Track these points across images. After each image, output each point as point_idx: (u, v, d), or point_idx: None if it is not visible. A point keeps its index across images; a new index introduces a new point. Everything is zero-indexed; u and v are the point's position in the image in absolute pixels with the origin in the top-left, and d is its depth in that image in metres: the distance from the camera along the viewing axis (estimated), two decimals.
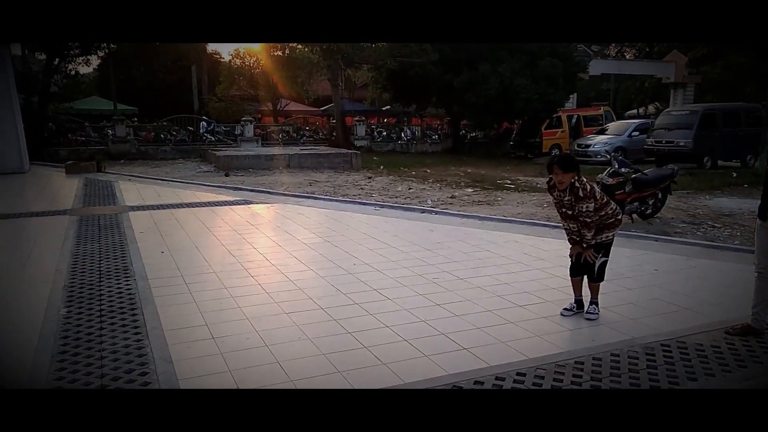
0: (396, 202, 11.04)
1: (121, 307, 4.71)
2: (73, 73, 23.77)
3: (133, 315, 4.54)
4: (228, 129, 27.23)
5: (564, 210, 4.52)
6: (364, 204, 10.48)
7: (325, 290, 5.25)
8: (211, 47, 40.31)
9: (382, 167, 18.98)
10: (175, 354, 3.79)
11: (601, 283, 4.63)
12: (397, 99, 31.35)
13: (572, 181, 4.37)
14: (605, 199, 4.50)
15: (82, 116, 26.85)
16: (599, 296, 4.66)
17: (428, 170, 18.15)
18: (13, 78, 15.47)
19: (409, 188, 13.64)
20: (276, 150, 21.92)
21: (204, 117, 27.96)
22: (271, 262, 6.19)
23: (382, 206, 10.25)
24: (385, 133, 29.52)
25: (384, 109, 39.84)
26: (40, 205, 10.08)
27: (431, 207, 10.41)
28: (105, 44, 23.96)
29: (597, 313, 4.59)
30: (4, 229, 8.17)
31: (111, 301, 4.88)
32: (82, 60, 23.75)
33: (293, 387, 3.36)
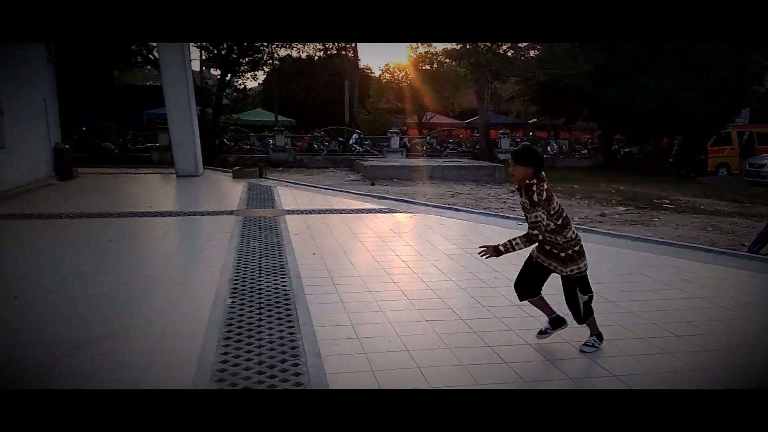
0: None
1: (278, 301, 5.11)
2: (242, 87, 26.21)
3: (287, 309, 4.90)
4: (375, 141, 28.28)
5: (525, 215, 4.00)
6: (507, 218, 10.32)
7: (465, 301, 5.26)
8: (363, 63, 42.18)
9: None
10: (324, 349, 4.03)
11: None
12: (545, 112, 30.50)
13: (528, 181, 3.82)
14: (563, 220, 3.89)
15: (247, 126, 29.48)
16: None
17: (575, 186, 17.40)
18: (193, 92, 17.43)
19: None
20: (419, 161, 22.36)
21: (357, 129, 29.30)
22: (412, 270, 6.34)
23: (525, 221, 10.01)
24: None
25: (530, 122, 38.91)
26: (211, 206, 11.23)
27: (578, 225, 9.96)
28: (270, 60, 26.08)
29: (595, 347, 4.08)
30: (183, 224, 9.23)
31: (269, 295, 5.31)
32: (251, 75, 26.09)
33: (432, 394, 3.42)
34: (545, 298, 4.23)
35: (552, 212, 3.82)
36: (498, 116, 38.29)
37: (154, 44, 21.05)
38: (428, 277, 6.06)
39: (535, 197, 3.77)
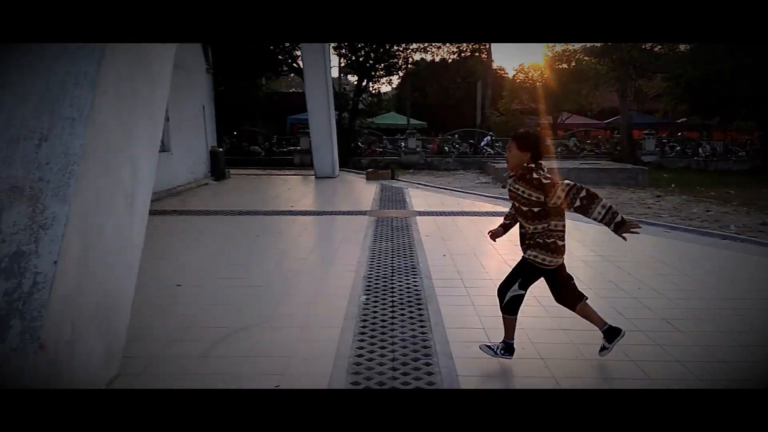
0: (690, 225, 9.88)
1: (410, 301, 5.21)
2: (376, 92, 26.97)
3: (419, 309, 4.98)
4: (506, 142, 27.72)
5: (516, 205, 3.72)
6: (652, 224, 9.62)
7: (605, 312, 4.97)
8: (497, 63, 41.59)
9: (673, 185, 17.17)
10: (456, 351, 4.05)
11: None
12: (695, 111, 28.00)
13: (526, 165, 3.56)
14: (559, 206, 3.54)
15: (380, 130, 30.28)
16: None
17: (731, 191, 15.78)
18: (333, 98, 18.28)
19: (707, 210, 12.07)
20: (553, 164, 21.53)
21: (489, 132, 28.96)
22: None
23: (673, 228, 9.27)
24: (678, 148, 26.57)
25: (679, 121, 35.90)
26: (347, 206, 11.71)
27: (735, 233, 9.04)
28: (405, 65, 26.60)
29: (495, 352, 3.80)
30: (321, 223, 9.72)
31: (401, 294, 5.43)
32: (386, 80, 26.79)
33: None
34: (588, 305, 3.95)
35: (558, 193, 3.54)
36: (641, 116, 35.74)
37: (299, 53, 22.37)
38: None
39: (543, 180, 3.52)
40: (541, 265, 3.74)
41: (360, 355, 3.99)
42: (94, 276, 3.23)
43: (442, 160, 24.99)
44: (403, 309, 5.00)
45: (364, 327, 4.55)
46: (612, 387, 3.52)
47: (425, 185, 16.12)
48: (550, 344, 4.22)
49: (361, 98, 26.11)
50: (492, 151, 26.23)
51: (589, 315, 3.91)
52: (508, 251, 7.32)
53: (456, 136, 28.04)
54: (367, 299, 5.27)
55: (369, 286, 5.71)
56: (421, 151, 25.41)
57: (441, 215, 10.38)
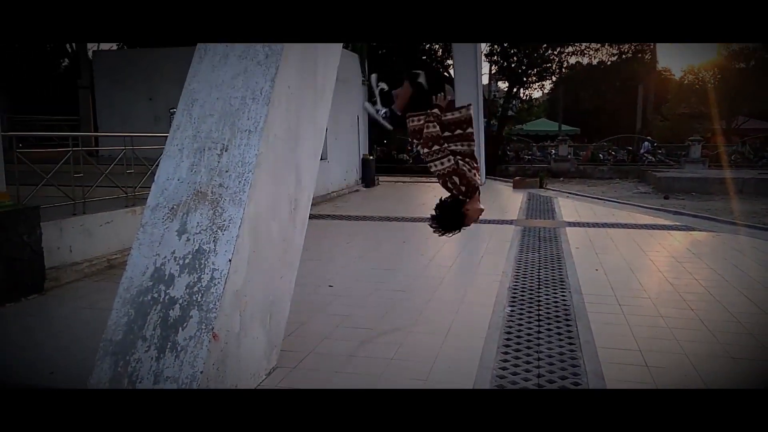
0: None
1: (557, 316, 5.03)
2: (527, 98, 26.35)
3: (567, 325, 4.79)
4: (670, 150, 25.57)
5: None
6: None
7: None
8: (662, 64, 38.58)
9: None
10: (607, 372, 3.84)
11: None
12: None
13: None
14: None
15: (530, 137, 29.52)
16: None
17: None
18: (482, 104, 18.19)
19: None
20: (725, 173, 19.43)
21: (647, 137, 26.96)
22: (714, 297, 5.58)
23: None
24: None
25: None
26: (492, 214, 11.57)
27: None
28: (559, 69, 25.67)
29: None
30: (468, 231, 9.70)
31: (548, 307, 5.26)
32: (538, 86, 26.10)
33: None
34: None
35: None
36: None
37: (450, 61, 22.57)
38: (735, 308, 5.26)
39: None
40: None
41: (504, 368, 3.94)
42: (261, 274, 3.56)
43: (595, 168, 23.72)
44: (550, 323, 4.85)
45: (508, 339, 4.48)
46: None
47: (576, 194, 15.39)
48: (716, 372, 3.83)
49: (510, 104, 25.67)
50: (653, 159, 24.35)
51: None
52: (670, 269, 6.77)
53: (610, 142, 26.43)
54: (512, 310, 5.18)
55: (514, 297, 5.61)
56: (572, 158, 24.35)
57: (593, 227, 9.86)
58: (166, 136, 3.67)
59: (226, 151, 3.44)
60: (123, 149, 7.43)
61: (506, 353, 4.20)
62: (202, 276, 3.17)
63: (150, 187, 3.55)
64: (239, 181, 3.34)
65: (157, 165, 7.60)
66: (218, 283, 3.14)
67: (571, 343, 4.38)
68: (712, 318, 4.99)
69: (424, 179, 20.93)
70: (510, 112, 26.02)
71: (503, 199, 14.51)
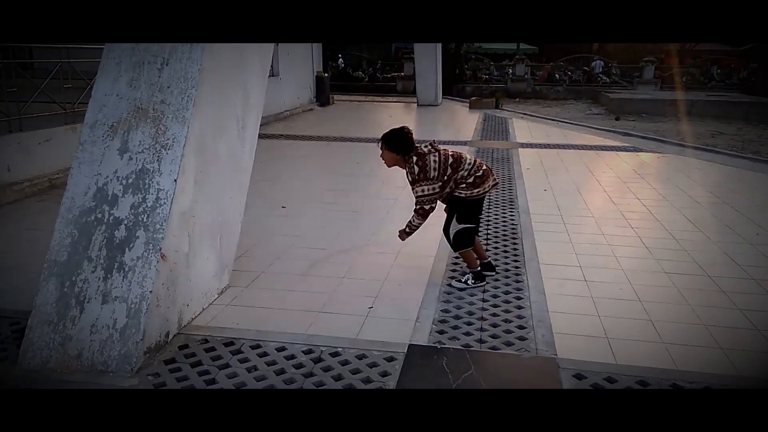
0: None
1: (505, 235, 5.19)
2: None
3: (514, 244, 4.95)
4: (625, 70, 25.77)
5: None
6: None
7: (714, 256, 4.71)
8: None
9: None
10: (548, 288, 4.02)
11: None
12: None
13: (408, 160, 3.85)
14: (449, 166, 3.83)
15: (488, 55, 29.13)
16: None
17: None
18: None
19: None
20: (677, 95, 19.82)
21: (597, 57, 26.96)
22: (654, 216, 5.84)
23: None
24: None
25: None
26: (448, 135, 11.58)
27: None
28: None
29: (467, 284, 3.97)
30: None
31: (497, 227, 5.41)
32: None
33: (664, 350, 3.21)
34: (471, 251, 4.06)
35: (432, 173, 3.82)
36: None
37: None
38: (673, 225, 5.53)
39: (408, 177, 3.86)
40: (468, 196, 3.91)
41: (450, 284, 4.08)
42: (209, 194, 3.50)
43: (551, 89, 23.79)
44: (497, 242, 5.00)
45: (457, 257, 4.61)
46: (706, 326, 3.37)
47: (531, 115, 15.50)
48: (650, 287, 4.07)
49: None
50: (608, 80, 24.55)
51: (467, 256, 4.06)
52: (615, 189, 7.01)
53: (567, 62, 26.40)
54: None
55: None
56: (529, 78, 24.28)
57: (545, 148, 10.02)
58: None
59: (166, 65, 3.27)
60: (59, 62, 6.98)
61: (454, 270, 4.33)
62: (147, 196, 3.10)
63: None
64: (182, 98, 3.20)
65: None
66: (164, 203, 3.08)
67: (516, 260, 4.54)
68: (650, 236, 5.24)
69: (379, 98, 20.61)
70: None
71: (459, 120, 14.49)
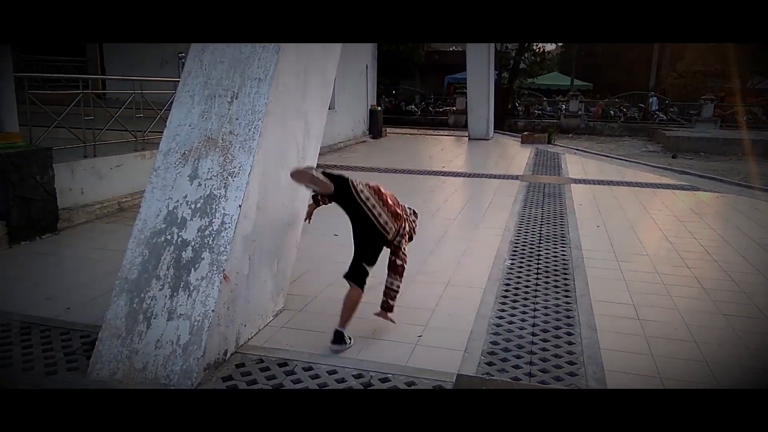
0: None
1: (555, 270, 5.16)
2: (540, 51, 25.83)
3: (565, 279, 4.93)
4: (682, 108, 25.22)
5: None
6: None
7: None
8: None
9: None
10: (600, 324, 3.99)
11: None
12: None
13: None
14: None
15: (541, 91, 29.09)
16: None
17: None
18: (494, 56, 17.90)
19: None
20: (738, 134, 19.22)
21: (653, 93, 26.50)
22: (712, 257, 5.69)
23: None
24: None
25: None
26: (499, 169, 11.61)
27: None
28: None
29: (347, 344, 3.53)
30: (471, 185, 9.80)
31: (547, 262, 5.39)
32: None
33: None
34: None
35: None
36: None
37: None
38: (731, 267, 5.37)
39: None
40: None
41: (500, 317, 4.09)
42: (269, 220, 3.68)
43: (605, 125, 23.48)
44: (548, 277, 4.98)
45: (506, 290, 4.63)
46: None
47: (584, 151, 15.33)
48: (706, 328, 3.97)
49: (523, 57, 25.20)
50: (665, 117, 24.06)
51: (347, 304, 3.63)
52: (671, 228, 6.86)
53: (623, 99, 26.05)
54: (512, 264, 5.31)
55: (515, 251, 5.73)
56: (582, 114, 24.06)
57: (598, 184, 9.90)
58: (174, 81, 3.72)
59: (236, 98, 3.49)
60: (132, 93, 7.46)
61: (504, 303, 4.35)
62: (213, 220, 3.29)
63: (159, 132, 3.62)
64: (249, 129, 3.41)
65: (167, 109, 7.64)
66: (228, 227, 3.26)
67: (567, 296, 4.52)
68: (707, 276, 5.11)
69: (431, 132, 20.84)
70: (522, 65, 25.58)
71: (511, 154, 14.48)
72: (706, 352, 3.60)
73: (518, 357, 3.48)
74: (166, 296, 3.19)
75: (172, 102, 7.72)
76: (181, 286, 3.20)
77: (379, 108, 18.15)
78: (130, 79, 7.85)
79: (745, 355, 3.58)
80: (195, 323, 3.12)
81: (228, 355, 3.35)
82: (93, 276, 4.67)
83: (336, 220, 6.88)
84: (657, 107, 24.89)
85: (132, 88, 7.52)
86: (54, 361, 3.26)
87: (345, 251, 5.60)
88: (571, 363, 3.43)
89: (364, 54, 17.15)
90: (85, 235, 5.92)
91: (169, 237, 3.31)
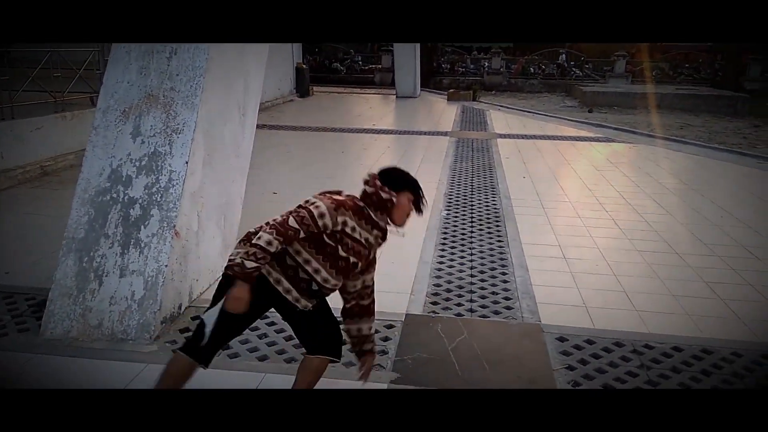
0: None
1: (488, 217, 5.48)
2: None
3: (497, 225, 5.25)
4: (597, 64, 26.37)
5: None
6: (746, 155, 9.22)
7: (683, 237, 5.08)
8: None
9: None
10: (531, 264, 4.33)
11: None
12: None
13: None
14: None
15: (464, 48, 29.42)
16: None
17: None
18: None
19: None
20: (647, 88, 20.41)
21: (564, 50, 27.46)
22: (627, 201, 6.20)
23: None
24: None
25: None
26: (428, 126, 11.86)
27: None
28: None
29: None
30: (402, 142, 9.99)
31: (480, 210, 5.70)
32: None
33: (637, 316, 3.53)
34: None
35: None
36: None
37: None
38: (644, 209, 5.89)
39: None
40: None
41: (441, 262, 4.35)
42: (215, 177, 3.70)
43: (526, 82, 24.21)
44: (482, 224, 5.29)
45: (445, 238, 4.89)
46: (676, 296, 3.71)
47: (507, 107, 15.86)
48: (624, 263, 4.40)
49: None
50: (580, 73, 25.09)
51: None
52: (590, 176, 7.36)
53: (542, 56, 26.89)
54: (447, 214, 5.58)
55: (450, 202, 6.01)
56: (505, 71, 24.68)
57: (522, 138, 10.36)
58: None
59: (175, 54, 3.45)
60: (49, 51, 7.04)
61: (443, 250, 4.61)
62: (160, 177, 3.29)
63: (79, 92, 3.53)
64: (191, 85, 3.39)
65: (86, 69, 7.27)
66: (176, 184, 3.28)
67: (500, 240, 4.84)
68: (623, 218, 5.59)
69: (358, 90, 20.77)
70: None
71: (438, 112, 14.77)
72: (624, 283, 4.01)
73: (459, 296, 3.76)
74: (116, 254, 3.19)
75: (89, 61, 7.36)
76: (132, 243, 3.21)
77: (305, 66, 17.86)
78: None
79: (657, 285, 4.02)
80: (149, 279, 3.15)
81: (183, 309, 3.41)
82: (28, 241, 4.52)
83: (274, 179, 6.93)
84: (566, 62, 25.82)
85: (48, 46, 7.08)
86: (3, 324, 3.21)
87: (284, 209, 5.67)
88: (507, 299, 3.73)
89: None
90: (11, 201, 5.65)
91: (115, 195, 3.28)
